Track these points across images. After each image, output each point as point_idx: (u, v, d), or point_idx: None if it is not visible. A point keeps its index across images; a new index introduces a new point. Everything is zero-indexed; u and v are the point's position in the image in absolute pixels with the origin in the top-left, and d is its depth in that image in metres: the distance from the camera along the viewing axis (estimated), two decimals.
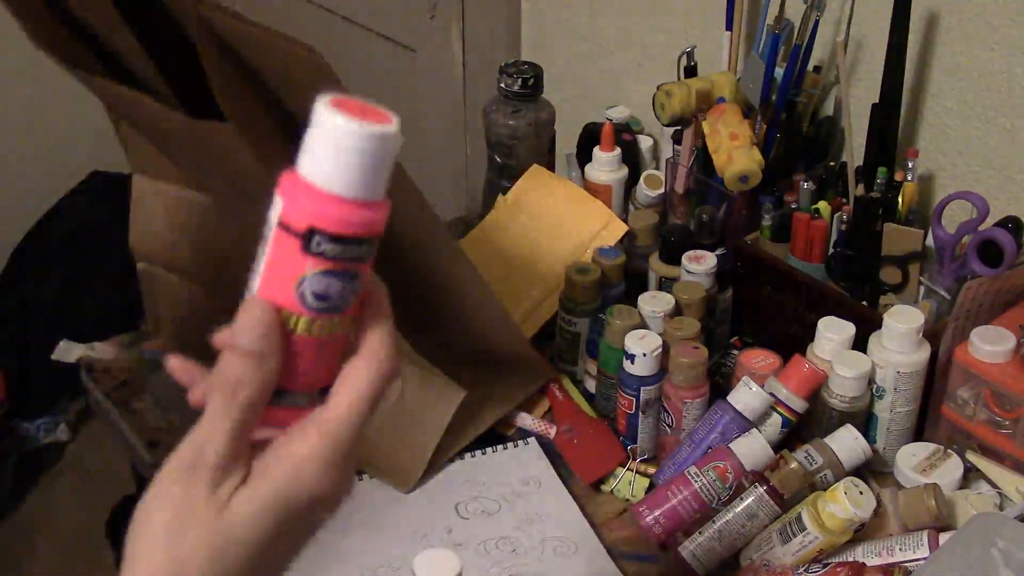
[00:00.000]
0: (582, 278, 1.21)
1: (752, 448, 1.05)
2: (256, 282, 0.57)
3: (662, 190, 1.35)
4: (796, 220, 1.20)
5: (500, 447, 1.18)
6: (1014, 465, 1.07)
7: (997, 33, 1.17)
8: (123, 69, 0.92)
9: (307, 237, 0.55)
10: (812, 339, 1.12)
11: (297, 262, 0.55)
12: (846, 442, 1.06)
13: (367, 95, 0.56)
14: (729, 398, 1.09)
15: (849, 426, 1.07)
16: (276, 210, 0.56)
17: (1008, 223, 1.11)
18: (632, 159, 1.42)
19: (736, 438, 1.07)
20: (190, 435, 0.59)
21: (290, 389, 0.59)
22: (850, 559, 0.99)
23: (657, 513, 1.06)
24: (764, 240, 1.24)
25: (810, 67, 1.27)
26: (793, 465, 1.03)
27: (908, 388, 1.09)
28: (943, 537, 0.98)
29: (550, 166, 1.42)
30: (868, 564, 0.98)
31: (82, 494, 2.07)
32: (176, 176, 1.16)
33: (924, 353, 1.08)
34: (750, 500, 1.01)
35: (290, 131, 0.90)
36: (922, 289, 1.16)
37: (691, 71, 1.33)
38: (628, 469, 1.14)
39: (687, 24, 1.46)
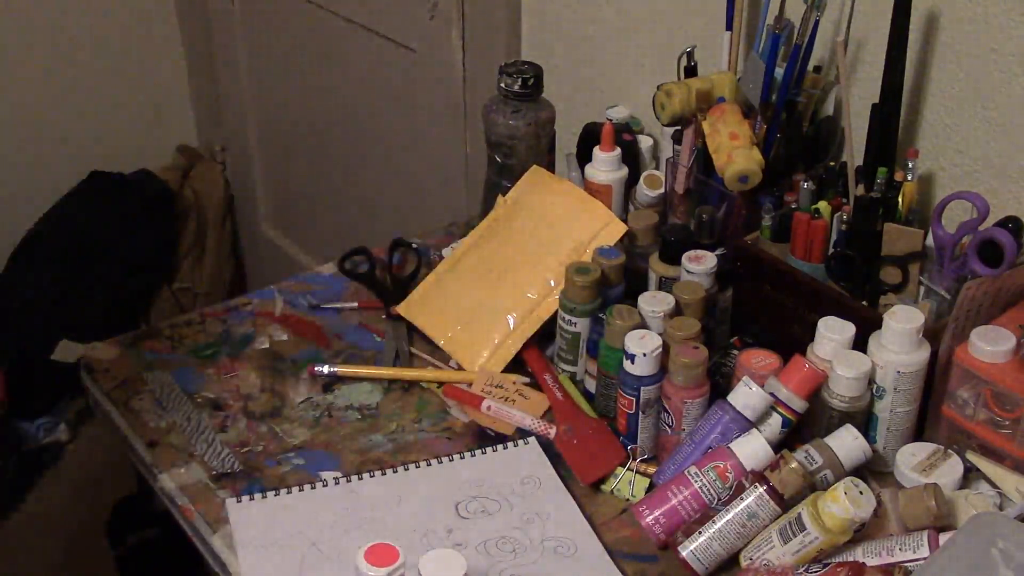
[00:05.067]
0: (582, 278, 1.21)
1: (752, 448, 1.05)
2: None
3: (662, 190, 1.35)
4: (796, 220, 1.20)
5: (500, 447, 1.18)
6: (1014, 465, 1.07)
7: (997, 33, 1.17)
8: None
9: None
10: (812, 339, 1.12)
11: None
12: (846, 442, 1.06)
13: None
14: (729, 398, 1.09)
15: (849, 426, 1.07)
16: None
17: (1008, 223, 1.11)
18: (632, 159, 1.42)
19: (736, 438, 1.07)
20: None
21: None
22: (850, 559, 0.99)
23: (657, 513, 1.06)
24: (764, 240, 1.24)
25: (810, 67, 1.27)
26: (793, 465, 1.03)
27: (908, 388, 1.09)
28: (943, 537, 0.98)
29: (550, 166, 1.42)
30: (868, 564, 0.98)
31: (82, 494, 2.07)
32: None
33: (924, 353, 1.08)
34: (750, 500, 1.01)
35: None
36: (922, 289, 1.16)
37: (691, 71, 1.33)
38: (628, 469, 1.14)
39: (687, 24, 1.46)
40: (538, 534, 1.08)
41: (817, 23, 1.22)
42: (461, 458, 1.16)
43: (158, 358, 1.30)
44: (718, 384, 1.17)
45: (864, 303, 1.17)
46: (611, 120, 1.46)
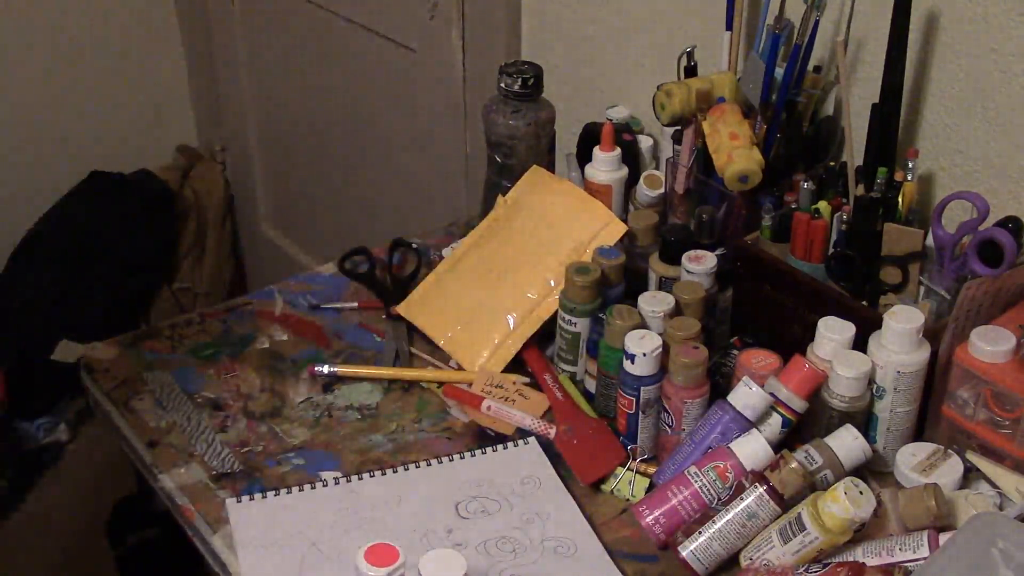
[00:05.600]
0: (582, 278, 1.21)
1: (752, 448, 1.05)
2: None
3: (662, 190, 1.35)
4: (796, 220, 1.20)
5: (500, 447, 1.18)
6: (1014, 465, 1.07)
7: (997, 33, 1.17)
8: None
9: None
10: (812, 339, 1.12)
11: None
12: (846, 442, 1.06)
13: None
14: (729, 398, 1.09)
15: (849, 426, 1.07)
16: None
17: (1008, 223, 1.11)
18: (632, 159, 1.42)
19: (736, 438, 1.07)
20: None
21: None
22: (850, 559, 0.99)
23: (657, 513, 1.06)
24: (764, 240, 1.24)
25: (810, 67, 1.27)
26: (793, 465, 1.03)
27: (908, 388, 1.09)
28: (943, 537, 0.98)
29: (550, 166, 1.42)
30: (868, 564, 0.98)
31: (82, 494, 2.07)
32: None
33: (924, 353, 1.08)
34: (750, 500, 1.01)
35: None
36: (922, 289, 1.16)
37: (691, 71, 1.33)
38: (628, 469, 1.14)
39: (687, 24, 1.46)
40: (538, 534, 1.08)
41: (817, 23, 1.22)
42: (461, 458, 1.16)
43: (158, 358, 1.30)
44: (718, 384, 1.17)
45: (864, 303, 1.17)
46: (611, 120, 1.46)
